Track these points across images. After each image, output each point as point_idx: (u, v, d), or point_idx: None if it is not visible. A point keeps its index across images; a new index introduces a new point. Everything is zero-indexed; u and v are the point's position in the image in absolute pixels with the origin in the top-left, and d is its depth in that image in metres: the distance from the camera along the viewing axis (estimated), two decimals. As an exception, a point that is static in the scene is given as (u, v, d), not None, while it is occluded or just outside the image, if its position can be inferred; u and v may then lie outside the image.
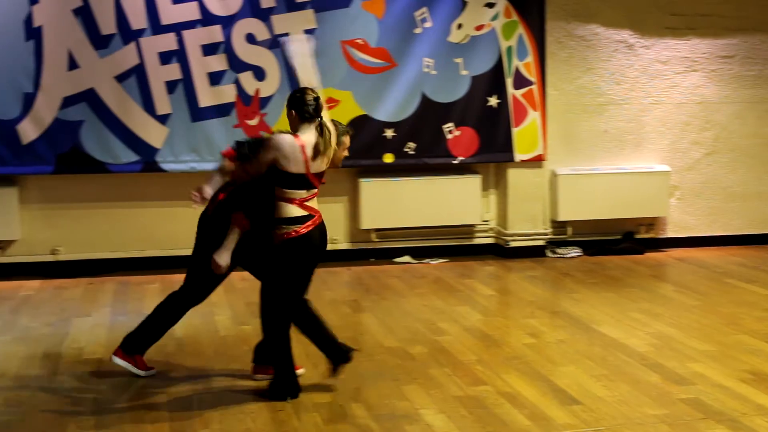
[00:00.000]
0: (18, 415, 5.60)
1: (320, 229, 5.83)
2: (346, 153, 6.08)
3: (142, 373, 6.22)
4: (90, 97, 9.09)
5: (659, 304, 8.17)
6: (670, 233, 10.75)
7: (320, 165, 5.74)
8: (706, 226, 10.83)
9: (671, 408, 5.61)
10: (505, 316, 7.92)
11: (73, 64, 9.04)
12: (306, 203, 5.74)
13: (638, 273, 9.49)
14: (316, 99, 5.73)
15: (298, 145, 5.64)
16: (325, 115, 5.81)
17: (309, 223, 5.73)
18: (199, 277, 6.10)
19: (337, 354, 6.03)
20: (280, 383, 5.84)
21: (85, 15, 8.99)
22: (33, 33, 8.93)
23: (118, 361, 6.22)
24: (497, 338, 7.12)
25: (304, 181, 5.70)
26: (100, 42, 9.05)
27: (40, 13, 8.92)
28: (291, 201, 5.69)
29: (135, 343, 6.24)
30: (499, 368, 6.38)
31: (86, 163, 9.18)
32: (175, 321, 6.29)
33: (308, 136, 5.70)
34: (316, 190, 5.79)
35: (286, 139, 5.64)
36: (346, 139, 6.04)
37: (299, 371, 6.06)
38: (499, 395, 5.86)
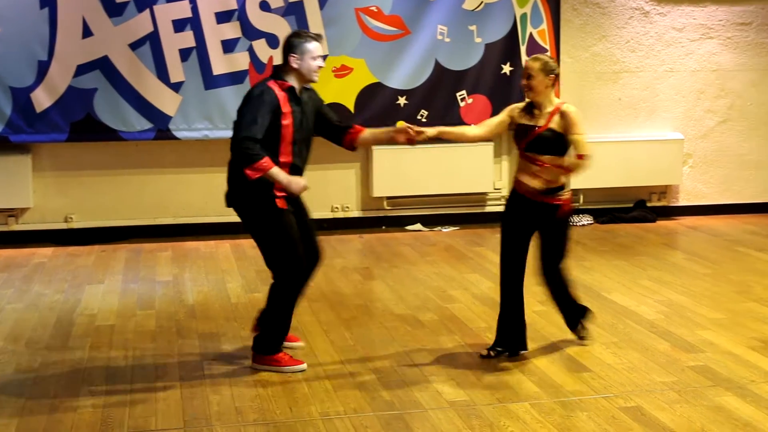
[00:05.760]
0: (30, 379, 5.67)
1: None
2: None
3: (293, 368, 5.78)
4: (104, 65, 9.11)
5: (670, 272, 8.17)
6: (683, 201, 10.72)
7: None
8: (719, 194, 10.80)
9: (680, 375, 5.64)
10: (516, 283, 7.91)
11: (87, 32, 9.04)
12: None
13: (649, 241, 9.49)
14: None
15: None
16: None
17: None
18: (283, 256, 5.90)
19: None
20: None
21: (99, -18, 9.01)
22: (47, 0, 8.94)
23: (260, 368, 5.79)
24: (508, 306, 7.13)
25: None
26: (114, 9, 9.05)
27: (54, -20, 8.94)
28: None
29: (266, 345, 5.83)
30: (508, 335, 6.40)
31: (100, 131, 9.20)
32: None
33: None
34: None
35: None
36: None
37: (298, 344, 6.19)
38: (508, 362, 5.90)
